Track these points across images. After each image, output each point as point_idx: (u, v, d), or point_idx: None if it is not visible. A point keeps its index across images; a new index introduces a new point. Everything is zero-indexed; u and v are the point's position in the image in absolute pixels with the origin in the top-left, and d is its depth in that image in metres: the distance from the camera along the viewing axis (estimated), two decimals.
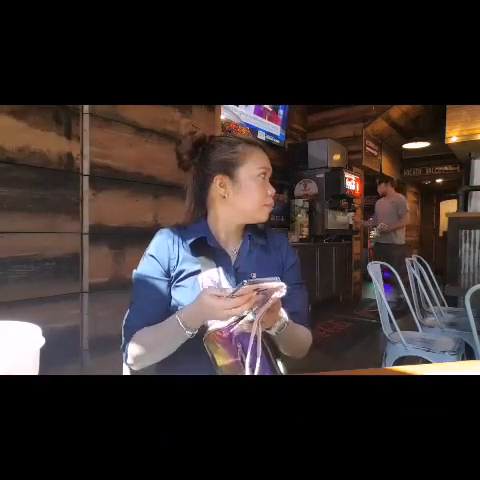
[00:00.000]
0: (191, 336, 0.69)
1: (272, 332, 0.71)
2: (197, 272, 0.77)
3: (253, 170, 0.79)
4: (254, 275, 0.75)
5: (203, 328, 0.71)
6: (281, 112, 4.36)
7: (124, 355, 0.78)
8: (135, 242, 1.55)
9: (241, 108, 3.76)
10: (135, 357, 0.75)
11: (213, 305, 0.63)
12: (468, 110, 3.62)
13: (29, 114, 1.23)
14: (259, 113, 4.02)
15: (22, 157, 1.22)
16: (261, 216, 0.82)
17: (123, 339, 0.78)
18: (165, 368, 0.78)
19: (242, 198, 0.80)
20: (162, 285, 0.78)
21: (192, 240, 0.79)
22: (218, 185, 0.80)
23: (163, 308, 0.78)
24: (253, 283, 0.60)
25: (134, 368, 0.79)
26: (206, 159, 0.82)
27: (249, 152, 0.80)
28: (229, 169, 0.79)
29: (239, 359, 0.70)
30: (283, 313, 0.71)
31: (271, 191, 0.82)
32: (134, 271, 0.81)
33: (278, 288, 0.62)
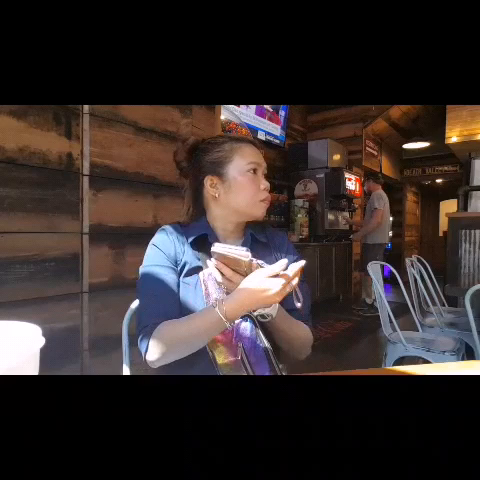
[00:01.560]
0: (230, 327, 0.67)
1: (257, 313, 0.71)
2: (199, 269, 0.77)
3: (241, 166, 0.79)
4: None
5: None
6: (283, 113, 4.36)
7: (143, 351, 0.73)
8: (135, 242, 1.55)
9: (242, 108, 3.76)
10: (160, 351, 0.71)
11: (273, 286, 0.63)
12: (468, 110, 3.62)
13: (29, 114, 1.23)
14: (260, 113, 4.02)
15: (22, 157, 1.22)
16: (257, 212, 0.81)
17: (140, 336, 0.74)
18: (166, 367, 0.78)
19: (234, 196, 0.79)
20: (173, 274, 0.77)
21: (194, 237, 0.79)
22: (209, 186, 0.81)
23: (177, 297, 0.76)
24: (223, 248, 0.65)
25: (156, 364, 0.74)
26: (198, 162, 0.83)
27: (236, 149, 0.80)
28: (217, 169, 0.80)
29: (239, 358, 0.70)
30: (275, 305, 0.70)
31: (264, 185, 0.80)
32: (140, 267, 0.80)
33: (240, 258, 0.64)
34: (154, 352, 0.71)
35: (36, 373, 0.40)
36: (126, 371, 0.84)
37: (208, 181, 0.81)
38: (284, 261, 0.64)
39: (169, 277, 0.76)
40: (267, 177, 0.84)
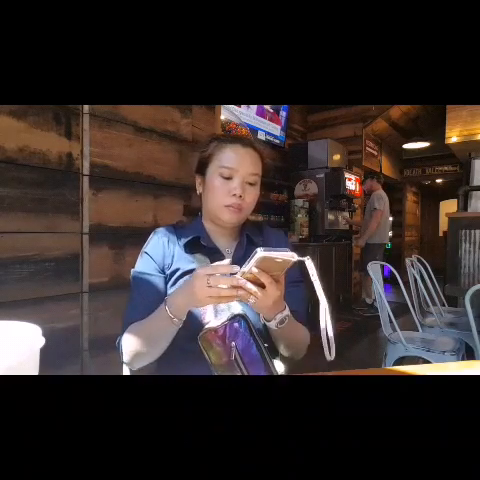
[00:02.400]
0: (178, 325, 0.67)
1: (272, 325, 0.69)
2: (192, 271, 0.77)
3: (214, 168, 0.79)
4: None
5: (200, 327, 0.71)
6: (284, 113, 4.35)
7: (120, 352, 0.76)
8: (135, 242, 1.55)
9: (242, 108, 3.76)
10: (130, 353, 0.74)
11: (196, 284, 0.60)
12: (468, 110, 3.62)
13: (29, 114, 1.23)
14: (260, 114, 4.02)
15: (22, 157, 1.22)
16: (222, 216, 0.78)
17: (117, 340, 0.78)
18: (166, 368, 0.78)
19: (206, 197, 0.82)
20: (157, 281, 0.79)
21: (187, 239, 0.80)
22: (197, 185, 0.84)
23: (159, 305, 0.77)
24: (267, 251, 0.58)
25: (131, 367, 0.78)
26: (194, 161, 0.86)
27: (217, 151, 0.80)
28: (201, 168, 0.82)
29: (233, 358, 0.70)
30: (286, 305, 0.70)
31: (235, 191, 0.76)
32: (132, 270, 0.82)
33: (290, 259, 0.60)
34: (125, 354, 0.75)
35: (36, 373, 0.40)
36: (126, 371, 0.84)
37: (197, 179, 0.84)
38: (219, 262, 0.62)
39: (153, 283, 0.79)
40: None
